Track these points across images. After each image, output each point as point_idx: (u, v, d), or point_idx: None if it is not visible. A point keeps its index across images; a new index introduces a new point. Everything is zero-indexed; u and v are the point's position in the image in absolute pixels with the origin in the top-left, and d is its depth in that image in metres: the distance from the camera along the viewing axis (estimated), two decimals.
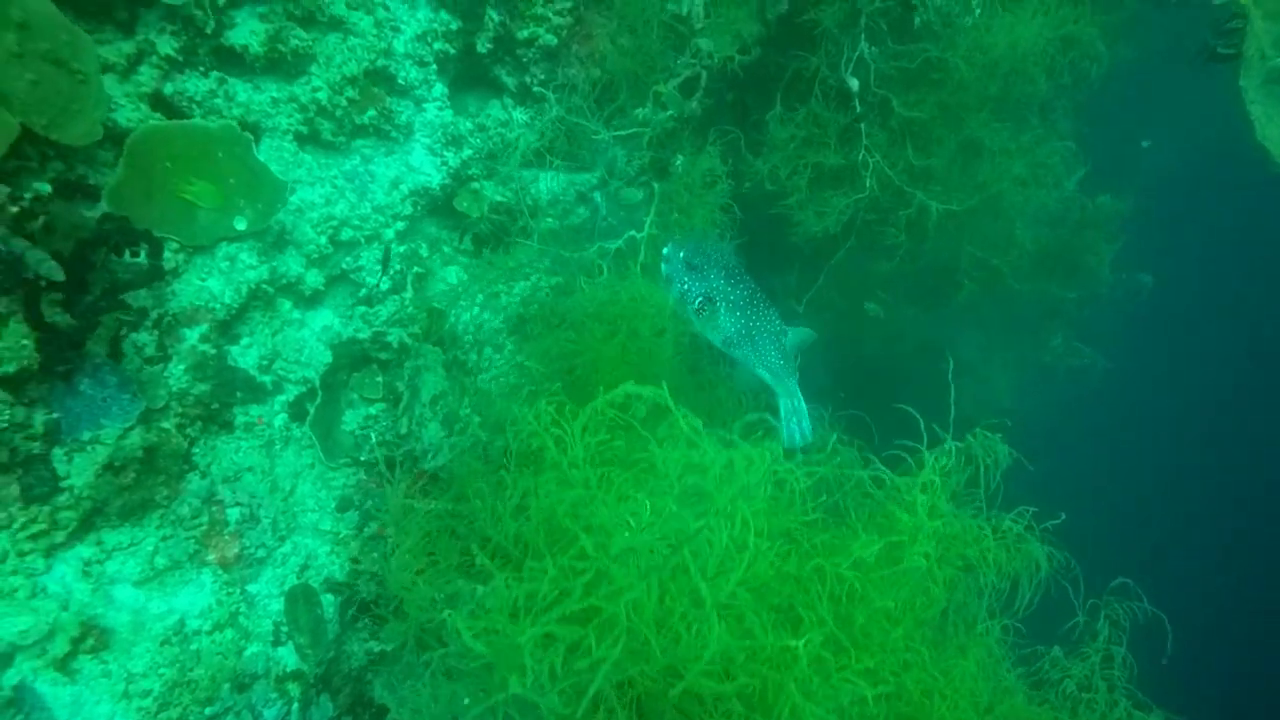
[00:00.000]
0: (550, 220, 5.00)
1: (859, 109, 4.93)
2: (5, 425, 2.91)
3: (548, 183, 4.99)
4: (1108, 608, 3.49)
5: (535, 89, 4.74)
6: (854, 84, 4.86)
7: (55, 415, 3.15)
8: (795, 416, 3.59)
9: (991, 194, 5.14)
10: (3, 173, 2.98)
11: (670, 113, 4.80)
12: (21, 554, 3.07)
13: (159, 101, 3.81)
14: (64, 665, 3.08)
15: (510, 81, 4.77)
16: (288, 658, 3.63)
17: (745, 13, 4.91)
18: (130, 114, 3.62)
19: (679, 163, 4.96)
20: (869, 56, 4.83)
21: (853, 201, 5.01)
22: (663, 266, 4.25)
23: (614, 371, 3.37)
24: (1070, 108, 5.52)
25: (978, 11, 4.53)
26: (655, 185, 4.74)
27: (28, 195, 2.97)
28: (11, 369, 2.93)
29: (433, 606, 3.34)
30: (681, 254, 4.20)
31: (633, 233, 4.51)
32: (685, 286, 4.02)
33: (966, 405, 7.04)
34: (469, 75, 4.81)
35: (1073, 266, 6.43)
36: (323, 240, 4.15)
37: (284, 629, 3.66)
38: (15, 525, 3.05)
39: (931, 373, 7.37)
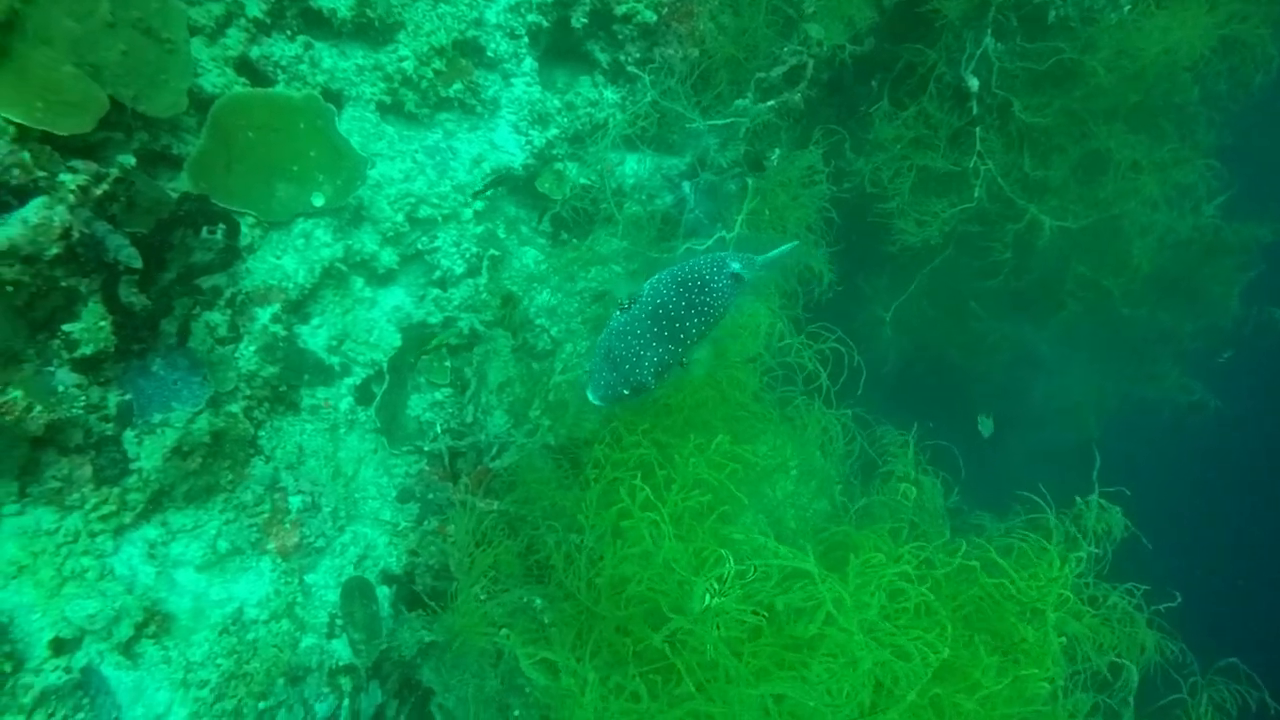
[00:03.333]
0: (634, 206, 4.74)
1: (976, 110, 4.53)
2: (81, 407, 2.84)
3: (634, 166, 4.73)
4: (1212, 689, 3.21)
5: (629, 68, 4.43)
6: (974, 83, 4.44)
7: (128, 396, 3.08)
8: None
9: (1114, 213, 4.70)
10: (90, 146, 2.86)
11: (771, 103, 4.47)
12: (92, 534, 3.04)
13: (244, 66, 3.64)
14: (128, 649, 3.06)
15: (603, 58, 4.48)
16: (341, 651, 3.58)
17: None
18: (216, 79, 3.47)
19: (775, 157, 4.63)
20: (993, 54, 4.41)
21: (958, 211, 4.63)
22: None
23: (697, 394, 3.15)
24: (1218, 119, 4.92)
25: (1127, 8, 4.05)
26: (749, 180, 4.43)
27: (113, 171, 2.83)
28: (89, 350, 2.84)
29: (490, 624, 3.23)
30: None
31: (723, 233, 4.23)
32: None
33: (1053, 429, 6.67)
34: (559, 49, 4.53)
35: (1193, 294, 5.86)
36: (399, 218, 3.99)
37: (339, 622, 3.61)
38: (88, 506, 3.01)
39: (1020, 393, 6.99)
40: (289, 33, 3.76)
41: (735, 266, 2.95)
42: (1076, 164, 4.68)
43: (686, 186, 4.72)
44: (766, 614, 2.11)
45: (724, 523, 2.44)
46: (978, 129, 4.49)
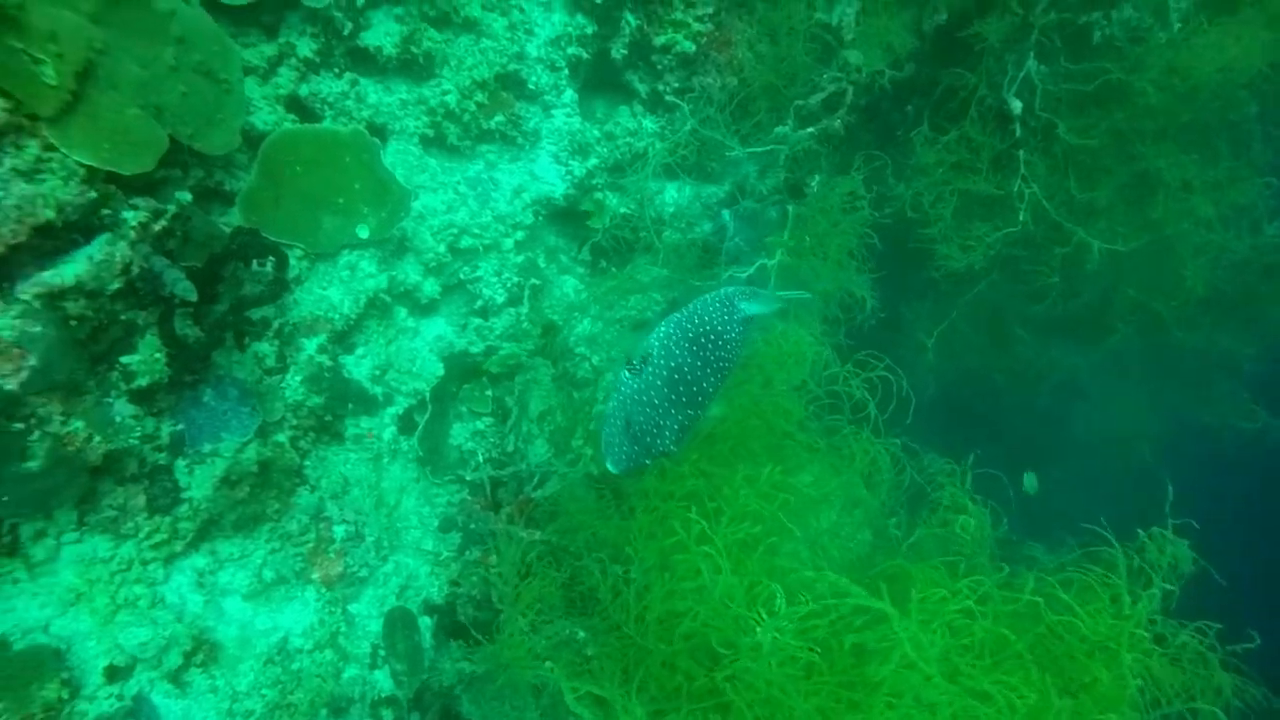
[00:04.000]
0: (673, 233, 4.75)
1: (1019, 133, 4.47)
2: (136, 438, 2.89)
3: (673, 195, 4.75)
4: None
5: (668, 97, 4.47)
6: (1016, 106, 4.39)
7: (180, 427, 3.13)
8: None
9: (1166, 234, 4.58)
10: (151, 183, 2.94)
11: (811, 130, 4.46)
12: (144, 563, 3.08)
13: (294, 103, 3.74)
14: (177, 678, 3.08)
15: (642, 89, 4.52)
16: (383, 682, 3.57)
17: (899, 23, 4.50)
18: (267, 116, 3.56)
19: (815, 183, 4.61)
20: (1036, 76, 4.36)
21: (1002, 235, 4.55)
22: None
23: (743, 423, 3.11)
24: (1276, 135, 4.75)
25: (1177, 26, 3.97)
26: (790, 206, 4.41)
27: (171, 208, 2.91)
28: (145, 382, 2.90)
29: (534, 657, 3.19)
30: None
31: (764, 260, 4.21)
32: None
33: (1104, 458, 6.47)
34: (599, 80, 4.58)
35: (1252, 317, 5.67)
36: (442, 248, 4.03)
37: (381, 652, 3.60)
38: (141, 534, 3.06)
39: (1068, 421, 6.81)
40: (336, 70, 3.85)
41: (745, 309, 2.89)
42: (1124, 185, 4.58)
43: (726, 214, 4.72)
44: (819, 651, 2.05)
45: (771, 555, 2.38)
46: (1021, 152, 4.42)
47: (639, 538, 2.65)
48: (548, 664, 2.98)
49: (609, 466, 2.66)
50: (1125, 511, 3.30)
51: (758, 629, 1.94)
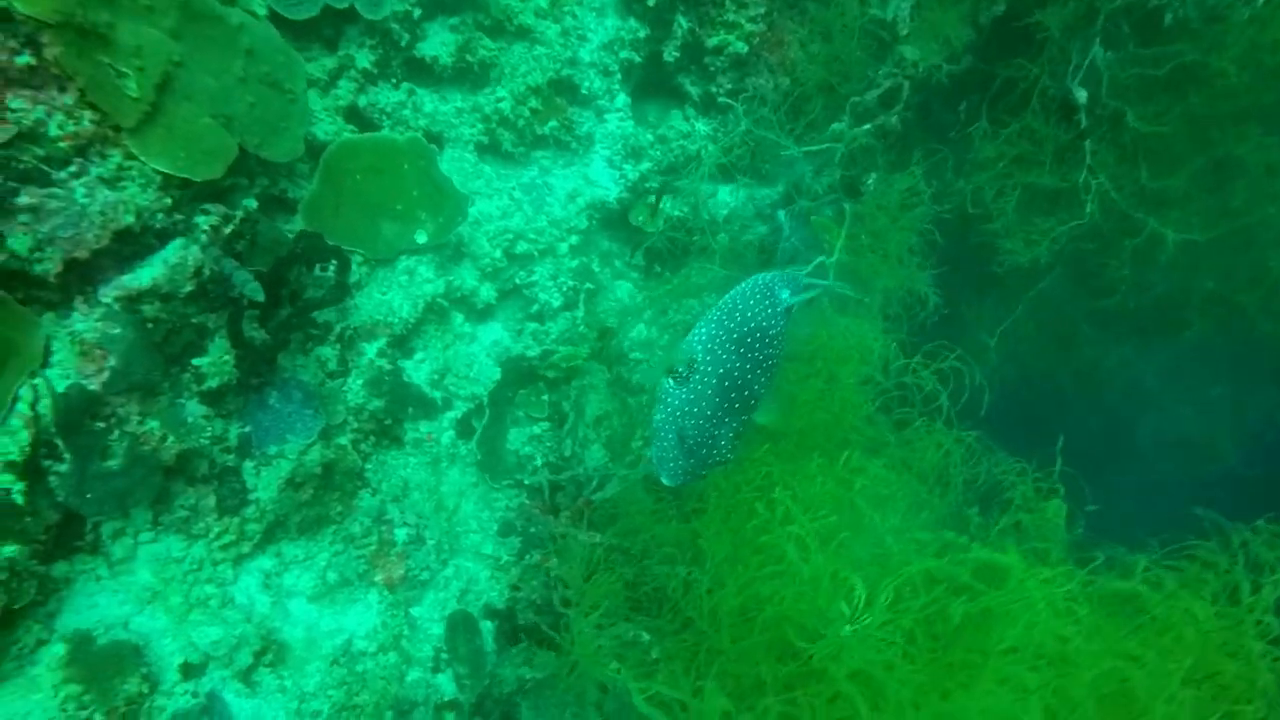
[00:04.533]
0: (725, 237, 4.70)
1: (1084, 123, 4.31)
2: (206, 439, 2.95)
3: (727, 197, 4.71)
4: None
5: (721, 99, 4.44)
6: (1081, 95, 4.24)
7: (247, 429, 3.19)
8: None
9: (1248, 222, 4.36)
10: (220, 191, 3.02)
11: (867, 126, 4.38)
12: (215, 563, 3.13)
13: (353, 114, 3.82)
14: (247, 677, 3.11)
15: (694, 91, 4.51)
16: (446, 685, 3.56)
17: (955, 16, 4.40)
18: (327, 127, 3.64)
19: (871, 181, 4.52)
20: (1102, 63, 4.21)
21: (1069, 228, 4.39)
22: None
23: (810, 417, 3.03)
24: None
25: (1260, 1, 3.79)
26: (846, 205, 4.33)
27: (238, 214, 2.99)
28: (214, 384, 2.96)
29: (599, 655, 3.14)
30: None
31: (822, 258, 4.12)
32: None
33: (1182, 458, 6.16)
34: (650, 84, 4.59)
35: None
36: (497, 253, 4.06)
37: (443, 656, 3.59)
38: (211, 535, 3.11)
39: (1141, 419, 6.51)
40: (394, 81, 3.93)
41: (786, 296, 2.78)
42: (1200, 172, 4.38)
43: (782, 215, 4.66)
44: (913, 637, 1.96)
45: (848, 547, 2.30)
46: (1087, 142, 4.27)
47: (710, 529, 2.58)
48: (614, 665, 2.92)
49: (664, 481, 2.58)
50: (1214, 511, 3.12)
51: (847, 617, 1.86)
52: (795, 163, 4.73)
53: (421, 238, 3.81)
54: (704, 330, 2.64)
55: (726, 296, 2.78)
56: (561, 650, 3.75)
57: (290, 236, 3.24)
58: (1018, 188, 4.46)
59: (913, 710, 1.82)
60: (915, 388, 3.16)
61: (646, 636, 3.36)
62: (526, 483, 4.04)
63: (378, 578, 3.54)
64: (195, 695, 2.92)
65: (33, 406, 2.51)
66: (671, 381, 2.57)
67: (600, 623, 3.20)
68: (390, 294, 3.75)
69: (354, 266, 3.63)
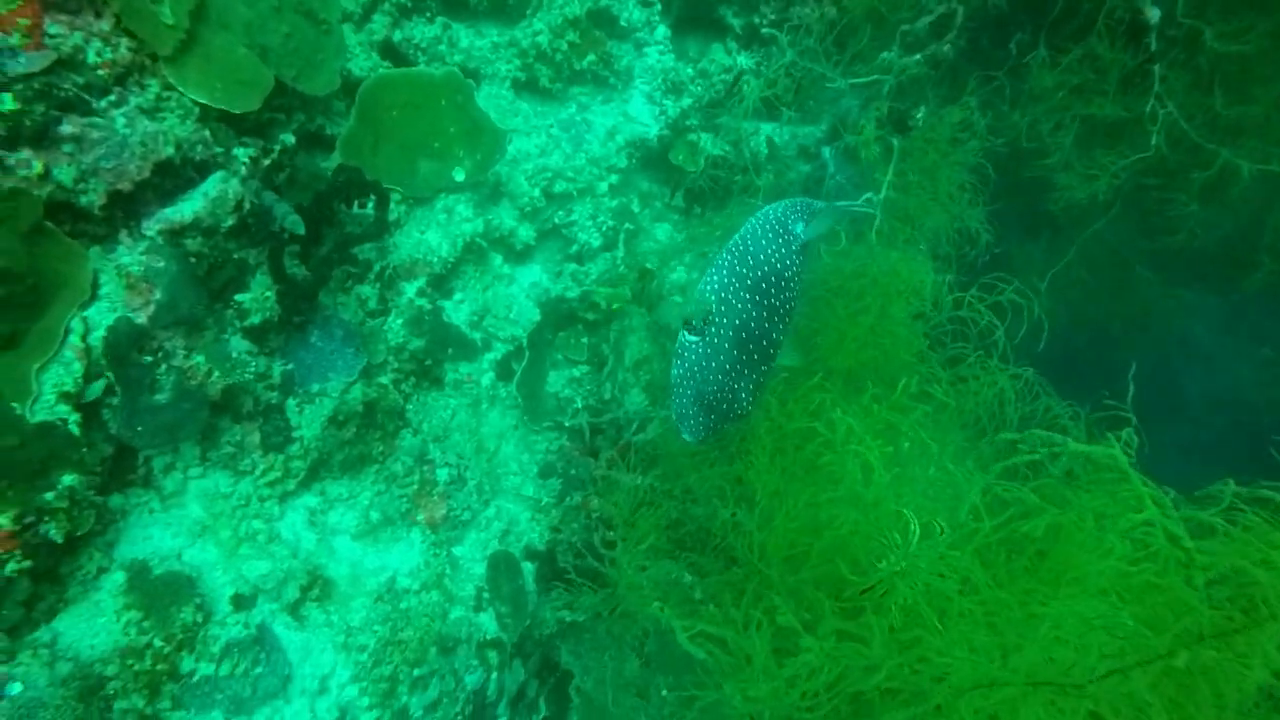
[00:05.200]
0: (767, 176, 4.56)
1: (1154, 46, 4.05)
2: (251, 375, 2.95)
3: (769, 135, 4.55)
4: None
5: (764, 30, 4.27)
6: (1154, 14, 3.97)
7: (290, 366, 3.19)
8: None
9: None
10: (259, 125, 2.98)
11: (918, 57, 4.18)
12: (261, 499, 3.16)
13: (388, 50, 3.74)
14: (295, 611, 3.16)
15: (736, 23, 4.33)
16: (488, 624, 3.59)
17: None
18: (363, 63, 3.56)
19: (920, 115, 4.33)
20: None
21: (1131, 162, 4.17)
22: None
23: (859, 354, 2.94)
24: None
25: None
26: (894, 140, 4.15)
27: (276, 148, 2.94)
28: (257, 320, 2.96)
29: (641, 594, 3.13)
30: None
31: (870, 195, 3.98)
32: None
33: (1244, 410, 5.92)
34: (691, 16, 4.41)
35: None
36: (536, 193, 3.98)
37: (485, 595, 3.62)
38: (257, 471, 3.14)
39: (1199, 369, 6.26)
40: (428, 15, 3.82)
41: (799, 231, 2.60)
42: None
43: (826, 151, 4.50)
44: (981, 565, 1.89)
45: (907, 475, 2.23)
46: (1156, 66, 4.01)
47: (759, 463, 2.53)
48: (656, 604, 2.91)
49: (685, 437, 2.50)
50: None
51: (913, 541, 1.79)
52: (840, 100, 4.56)
53: (459, 175, 3.74)
54: (716, 278, 2.51)
55: (736, 236, 2.62)
56: (603, 590, 3.78)
57: (328, 173, 3.19)
58: (1076, 120, 4.24)
59: (987, 629, 1.76)
60: (971, 323, 3.03)
61: (689, 577, 3.35)
62: (567, 425, 4.02)
63: (420, 517, 3.56)
64: (246, 626, 2.98)
65: (84, 338, 2.52)
66: (687, 334, 2.46)
67: (643, 563, 3.19)
68: (429, 233, 3.70)
69: (392, 205, 3.58)
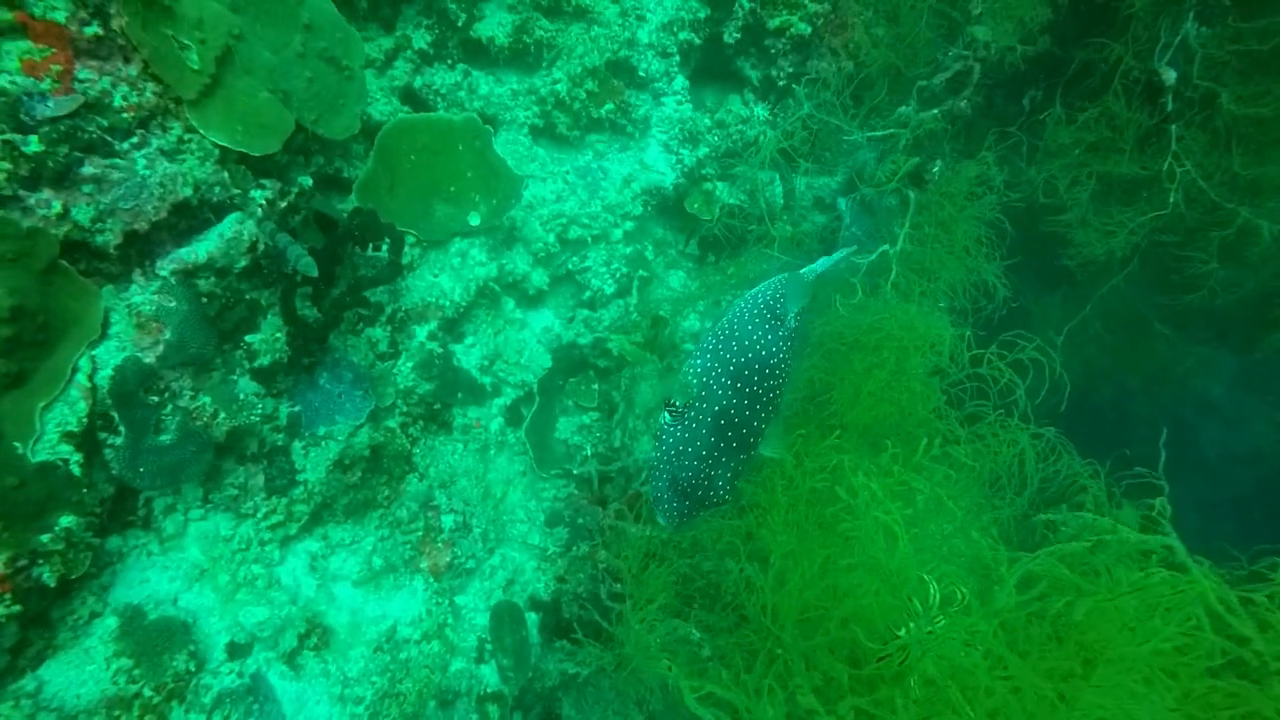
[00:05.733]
0: (784, 226, 4.56)
1: (1171, 106, 4.07)
2: (257, 417, 2.91)
3: (784, 186, 4.56)
4: None
5: (781, 82, 4.31)
6: (1170, 76, 4.00)
7: (297, 408, 3.15)
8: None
9: None
10: (277, 167, 2.99)
11: (935, 112, 4.20)
12: (262, 543, 3.10)
13: (409, 95, 3.78)
14: (291, 660, 3.07)
15: (754, 75, 4.38)
16: (489, 677, 3.48)
17: None
18: (383, 107, 3.60)
19: (936, 169, 4.34)
20: (1195, 40, 3.96)
21: (1149, 219, 4.15)
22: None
23: (876, 409, 2.88)
24: None
25: None
26: (911, 193, 4.15)
27: (294, 190, 2.96)
28: (266, 361, 2.93)
29: (649, 652, 3.03)
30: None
31: (885, 247, 3.97)
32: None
33: (1266, 468, 5.80)
34: (709, 67, 4.47)
35: None
36: (550, 238, 3.98)
37: (488, 646, 3.52)
38: (259, 514, 3.08)
39: (1220, 428, 6.17)
40: (450, 62, 3.87)
41: (791, 313, 2.46)
42: None
43: (843, 202, 4.50)
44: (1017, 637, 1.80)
45: (928, 541, 2.15)
46: (1173, 126, 4.02)
47: (776, 518, 2.45)
48: (664, 661, 2.81)
49: (659, 521, 2.41)
50: None
51: (935, 612, 1.72)
52: (856, 152, 4.58)
53: (475, 219, 3.74)
54: (699, 362, 2.42)
55: (724, 319, 2.54)
56: (608, 645, 3.67)
57: (344, 215, 3.19)
58: (1093, 176, 4.24)
59: (1017, 711, 1.67)
60: (990, 380, 2.98)
61: (697, 634, 3.24)
62: (575, 472, 3.96)
63: (423, 564, 3.48)
64: (240, 675, 2.89)
65: (90, 377, 2.50)
66: (668, 416, 2.38)
67: (651, 618, 3.10)
68: (442, 276, 3.69)
69: (406, 248, 3.58)
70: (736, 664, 2.75)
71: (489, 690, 3.45)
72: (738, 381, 2.34)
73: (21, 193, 2.33)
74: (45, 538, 2.43)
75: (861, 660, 2.11)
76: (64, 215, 2.40)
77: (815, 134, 4.24)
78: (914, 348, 2.93)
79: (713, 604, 3.10)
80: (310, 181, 3.19)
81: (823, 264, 2.91)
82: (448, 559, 3.53)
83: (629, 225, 4.18)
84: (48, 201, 2.37)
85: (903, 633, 1.80)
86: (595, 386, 4.19)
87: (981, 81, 4.24)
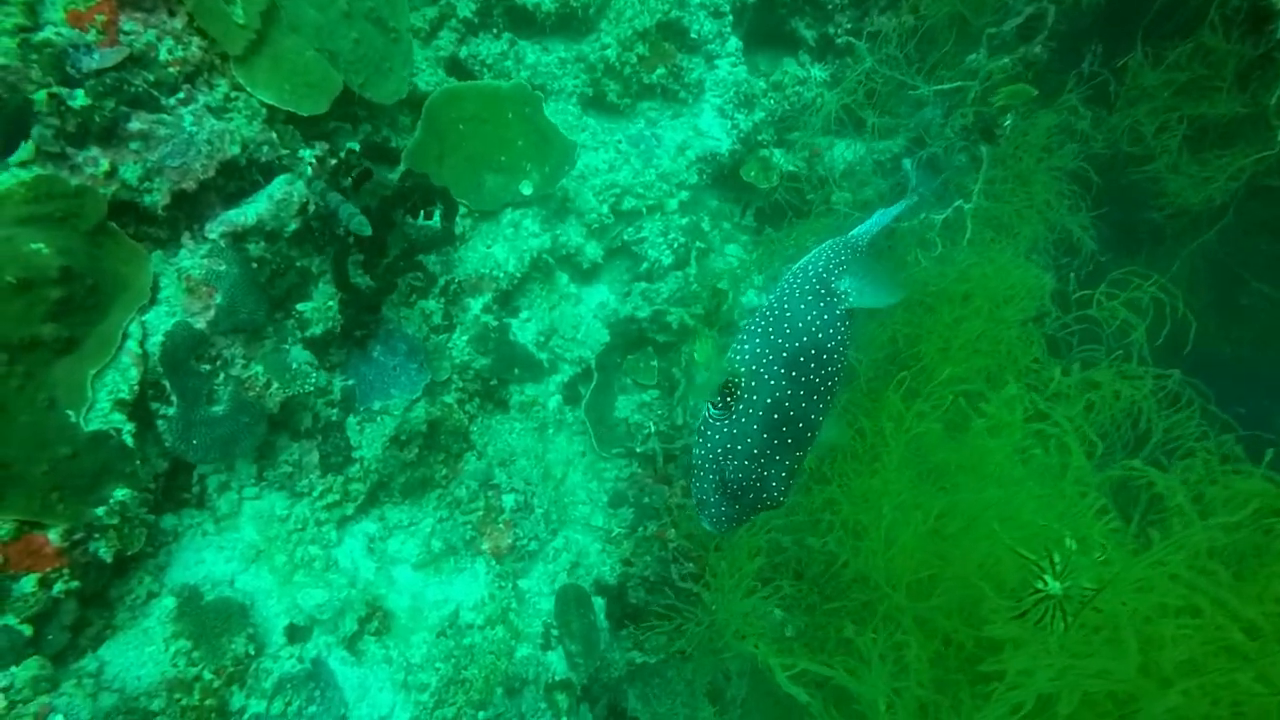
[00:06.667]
0: (844, 193, 4.33)
1: None
2: (311, 389, 2.79)
3: (842, 151, 4.34)
4: None
5: (839, 40, 4.09)
6: None
7: (351, 382, 3.03)
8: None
9: None
10: (324, 133, 2.89)
11: (1005, 61, 3.94)
12: (319, 524, 2.97)
13: (454, 66, 3.67)
14: (352, 645, 2.94)
15: (809, 35, 4.17)
16: (557, 664, 3.30)
17: None
18: (429, 78, 3.48)
19: (1009, 123, 4.07)
20: None
21: (1252, 162, 3.82)
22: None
23: (968, 363, 2.64)
24: None
25: None
26: (983, 148, 3.90)
27: (343, 151, 2.84)
28: (319, 330, 2.81)
29: (727, 632, 2.81)
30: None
31: (960, 202, 3.72)
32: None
33: None
34: (762, 28, 4.28)
35: None
36: (604, 209, 3.81)
37: (554, 632, 3.33)
38: (315, 493, 2.96)
39: None
40: (495, 31, 3.76)
41: (846, 291, 2.18)
42: None
43: (907, 163, 4.25)
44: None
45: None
46: None
47: (890, 464, 2.21)
48: (751, 640, 2.60)
49: (705, 526, 2.10)
50: None
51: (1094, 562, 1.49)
52: (922, 108, 4.33)
53: (527, 189, 3.60)
54: (748, 346, 2.15)
55: (772, 296, 2.26)
56: (679, 631, 3.46)
57: (394, 181, 3.07)
58: (1184, 120, 3.92)
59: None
60: (1099, 324, 2.71)
61: (779, 613, 3.03)
62: (638, 451, 3.77)
63: (484, 546, 3.32)
64: (300, 660, 2.75)
65: (141, 344, 2.40)
66: (713, 409, 2.09)
67: (744, 586, 2.88)
68: (495, 247, 3.55)
69: (457, 219, 3.45)
70: (827, 641, 2.53)
71: (556, 678, 3.27)
72: (792, 369, 2.06)
73: (69, 150, 2.24)
74: (100, 511, 2.32)
75: (979, 622, 1.88)
76: (111, 174, 2.31)
77: (875, 91, 4.01)
78: (1007, 297, 2.68)
79: (795, 581, 2.87)
80: (359, 147, 3.08)
81: (877, 220, 2.63)
82: (509, 541, 3.36)
83: (684, 195, 4.00)
84: (95, 159, 2.28)
85: (1044, 583, 1.57)
86: (655, 363, 4.01)
87: (1056, 26, 3.96)
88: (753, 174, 4.21)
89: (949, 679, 1.81)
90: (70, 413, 2.27)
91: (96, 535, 2.33)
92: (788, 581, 2.74)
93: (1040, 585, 1.68)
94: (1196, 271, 4.79)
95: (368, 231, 2.64)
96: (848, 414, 2.97)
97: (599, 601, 3.50)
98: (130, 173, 2.34)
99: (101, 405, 2.32)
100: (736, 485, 2.02)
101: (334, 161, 2.76)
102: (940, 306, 2.77)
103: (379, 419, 3.09)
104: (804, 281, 2.26)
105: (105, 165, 2.29)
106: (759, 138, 4.16)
